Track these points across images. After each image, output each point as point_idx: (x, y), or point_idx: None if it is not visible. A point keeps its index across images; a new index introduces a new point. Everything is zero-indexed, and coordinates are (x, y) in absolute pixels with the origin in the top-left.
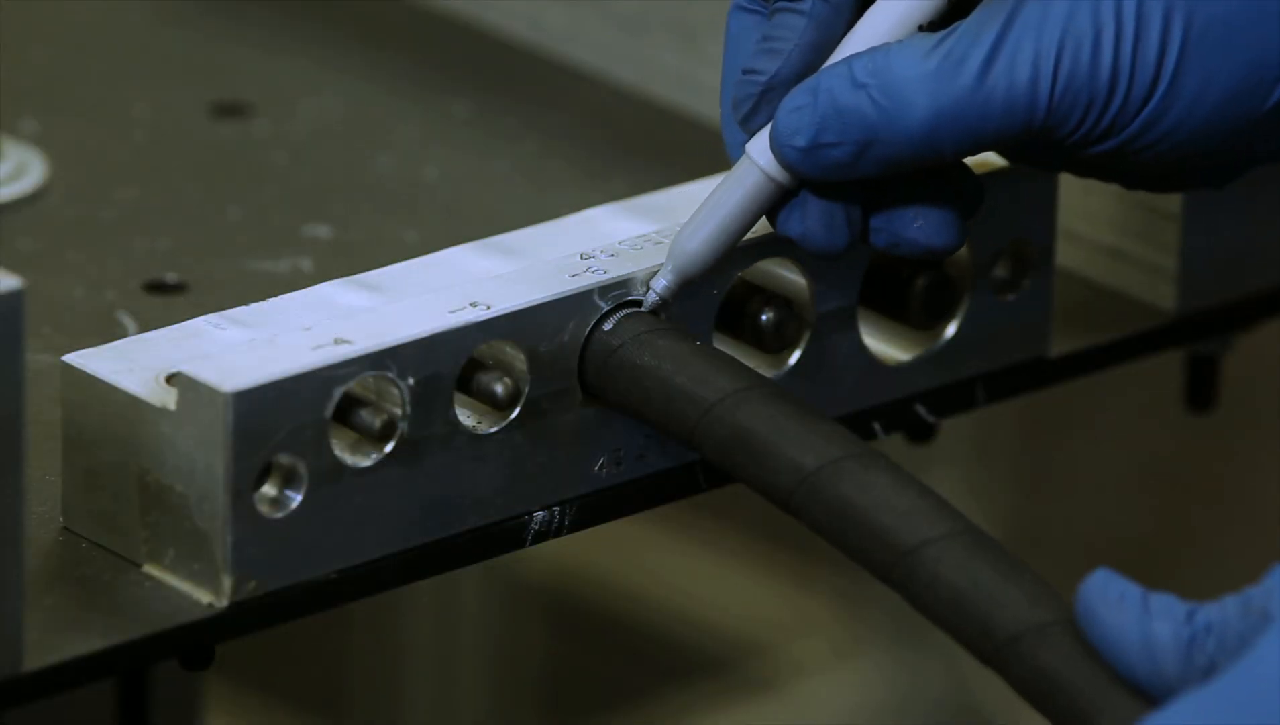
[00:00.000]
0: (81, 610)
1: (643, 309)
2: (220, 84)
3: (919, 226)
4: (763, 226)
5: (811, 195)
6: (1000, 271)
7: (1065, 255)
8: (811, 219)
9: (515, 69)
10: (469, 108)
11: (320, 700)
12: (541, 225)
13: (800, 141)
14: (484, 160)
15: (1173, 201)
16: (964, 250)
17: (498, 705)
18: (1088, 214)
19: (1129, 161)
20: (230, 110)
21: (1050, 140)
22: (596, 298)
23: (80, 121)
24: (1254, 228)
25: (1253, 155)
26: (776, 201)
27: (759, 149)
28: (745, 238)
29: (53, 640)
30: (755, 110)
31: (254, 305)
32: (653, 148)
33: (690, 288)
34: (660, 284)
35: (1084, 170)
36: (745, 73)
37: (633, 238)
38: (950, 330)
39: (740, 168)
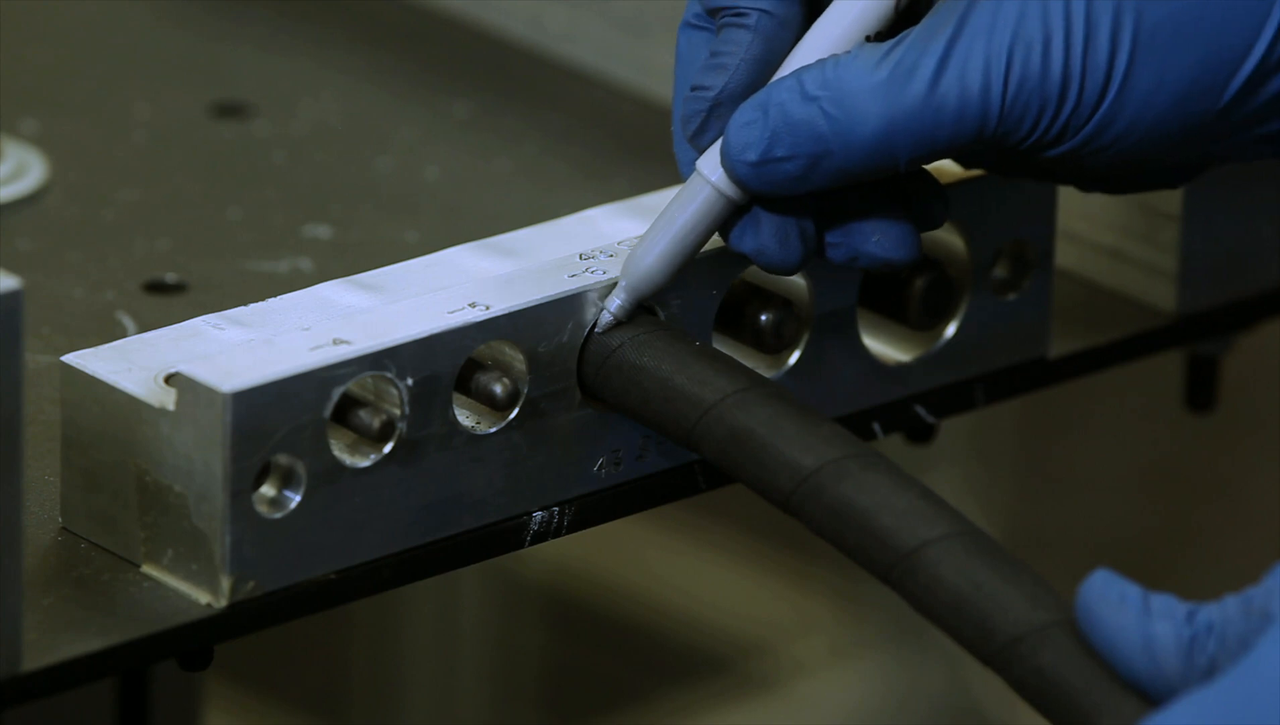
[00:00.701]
0: (80, 610)
1: (597, 330)
2: (220, 84)
3: (876, 241)
4: None
5: (764, 211)
6: (1000, 272)
7: (1065, 255)
8: (765, 235)
9: (515, 69)
10: (469, 108)
11: (320, 700)
12: (541, 225)
13: (751, 156)
14: (484, 160)
15: (1173, 201)
16: (964, 250)
17: (498, 705)
18: (1088, 214)
19: (1084, 164)
20: (230, 110)
21: (1004, 146)
22: (596, 298)
23: (80, 121)
24: (1254, 228)
25: (1208, 155)
26: (729, 217)
27: (710, 165)
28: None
29: (52, 640)
30: (704, 127)
31: (253, 305)
32: (653, 148)
33: (647, 303)
34: (614, 303)
35: (1039, 174)
36: (693, 89)
37: (632, 238)
38: (950, 330)
39: (691, 184)
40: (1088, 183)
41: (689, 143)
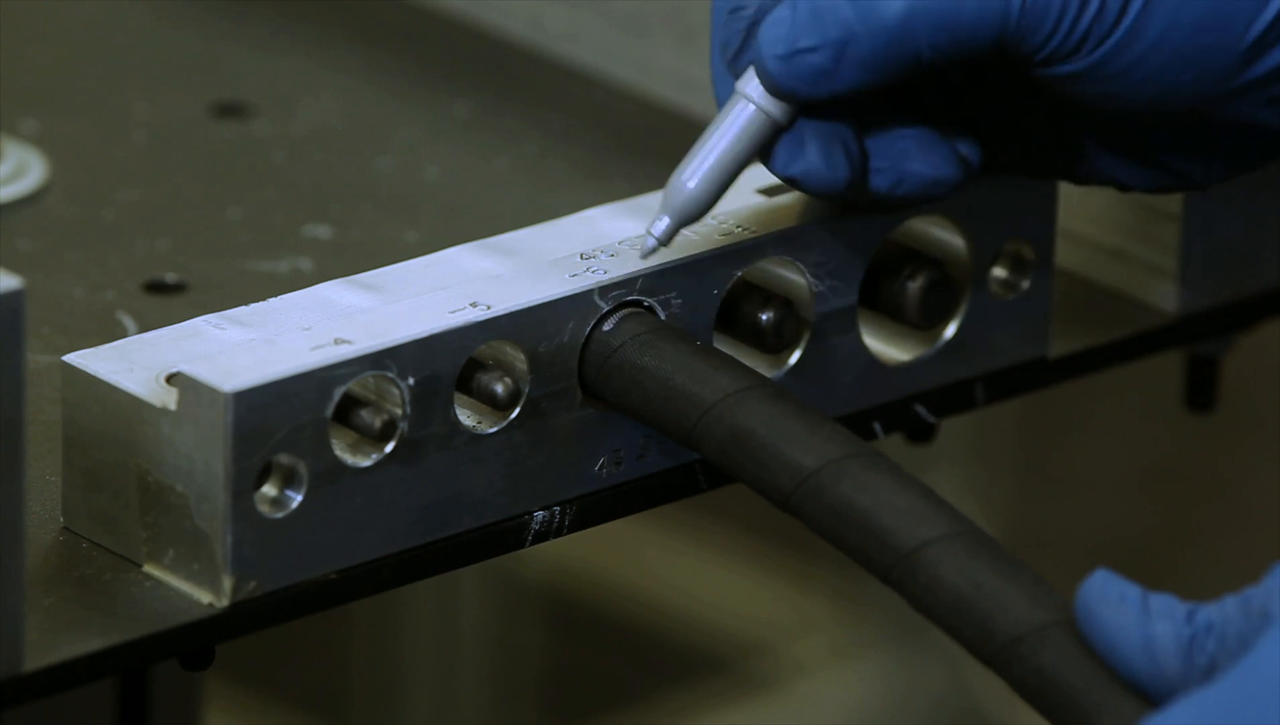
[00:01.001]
0: (81, 610)
1: (640, 256)
2: (220, 84)
3: (920, 161)
4: (764, 224)
5: (808, 126)
6: (1000, 272)
7: (1065, 255)
8: (810, 153)
9: (515, 69)
10: (469, 108)
11: (320, 700)
12: (541, 225)
13: (780, 49)
14: (484, 160)
15: (1173, 201)
16: (964, 250)
17: (498, 705)
18: (1088, 214)
19: (1101, 94)
20: (230, 110)
21: (1022, 51)
22: (596, 298)
23: (80, 121)
24: (1254, 228)
25: (1218, 129)
26: (771, 140)
27: (749, 84)
28: (747, 237)
29: (53, 640)
30: (743, 47)
31: (254, 305)
32: (653, 148)
33: (688, 227)
34: (659, 228)
35: (1051, 113)
36: (731, 12)
37: (633, 238)
38: (950, 330)
39: (732, 104)
40: (1096, 152)
41: (728, 68)
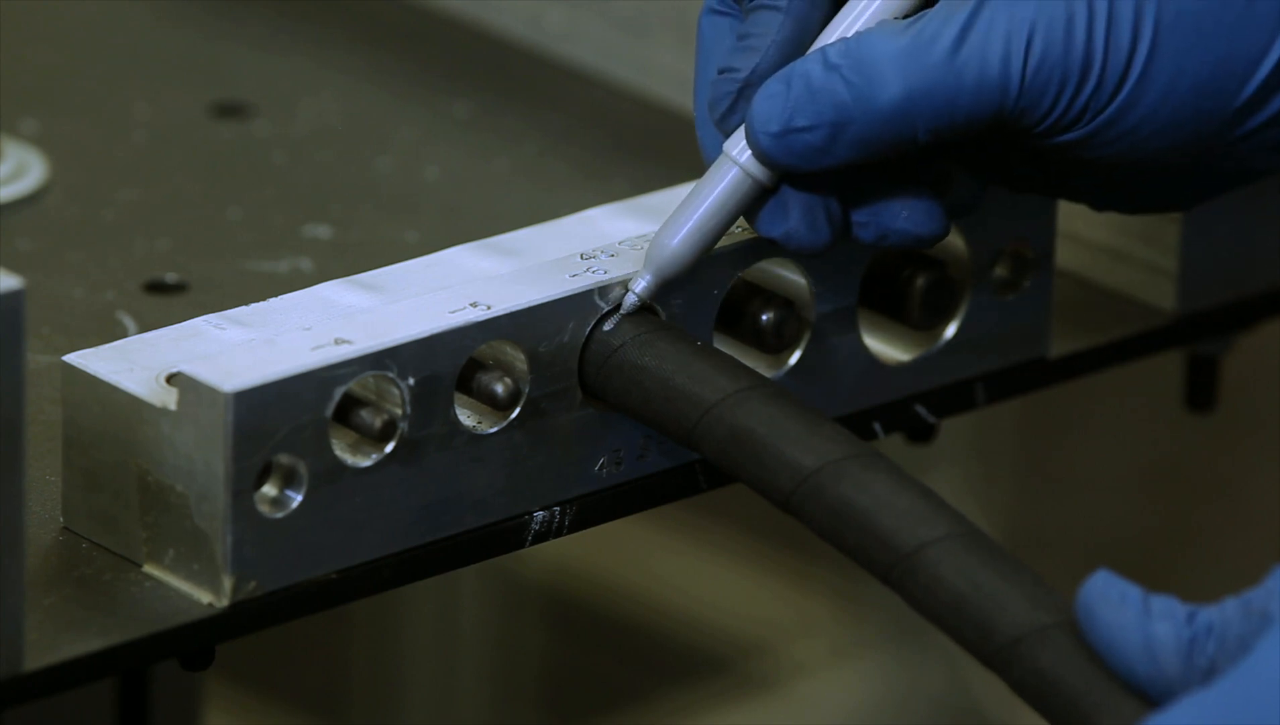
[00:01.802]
0: (81, 610)
1: (620, 311)
2: (220, 84)
3: (905, 217)
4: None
5: (791, 192)
6: (1000, 272)
7: (1065, 255)
8: (793, 218)
9: (515, 69)
10: (469, 108)
11: (320, 700)
12: (541, 225)
13: (774, 127)
14: (484, 160)
15: None
16: (964, 250)
17: (498, 705)
18: (1088, 214)
19: (1097, 156)
20: (230, 110)
21: (1021, 127)
22: (596, 298)
23: (80, 121)
24: (1254, 228)
25: (1220, 169)
26: (755, 201)
27: (736, 146)
28: (748, 238)
29: (53, 640)
30: (732, 108)
31: (254, 305)
32: (653, 148)
33: (667, 290)
34: (639, 285)
35: (1048, 178)
36: (721, 72)
37: (633, 238)
38: (950, 330)
39: (718, 166)
40: (1095, 192)
41: (716, 126)
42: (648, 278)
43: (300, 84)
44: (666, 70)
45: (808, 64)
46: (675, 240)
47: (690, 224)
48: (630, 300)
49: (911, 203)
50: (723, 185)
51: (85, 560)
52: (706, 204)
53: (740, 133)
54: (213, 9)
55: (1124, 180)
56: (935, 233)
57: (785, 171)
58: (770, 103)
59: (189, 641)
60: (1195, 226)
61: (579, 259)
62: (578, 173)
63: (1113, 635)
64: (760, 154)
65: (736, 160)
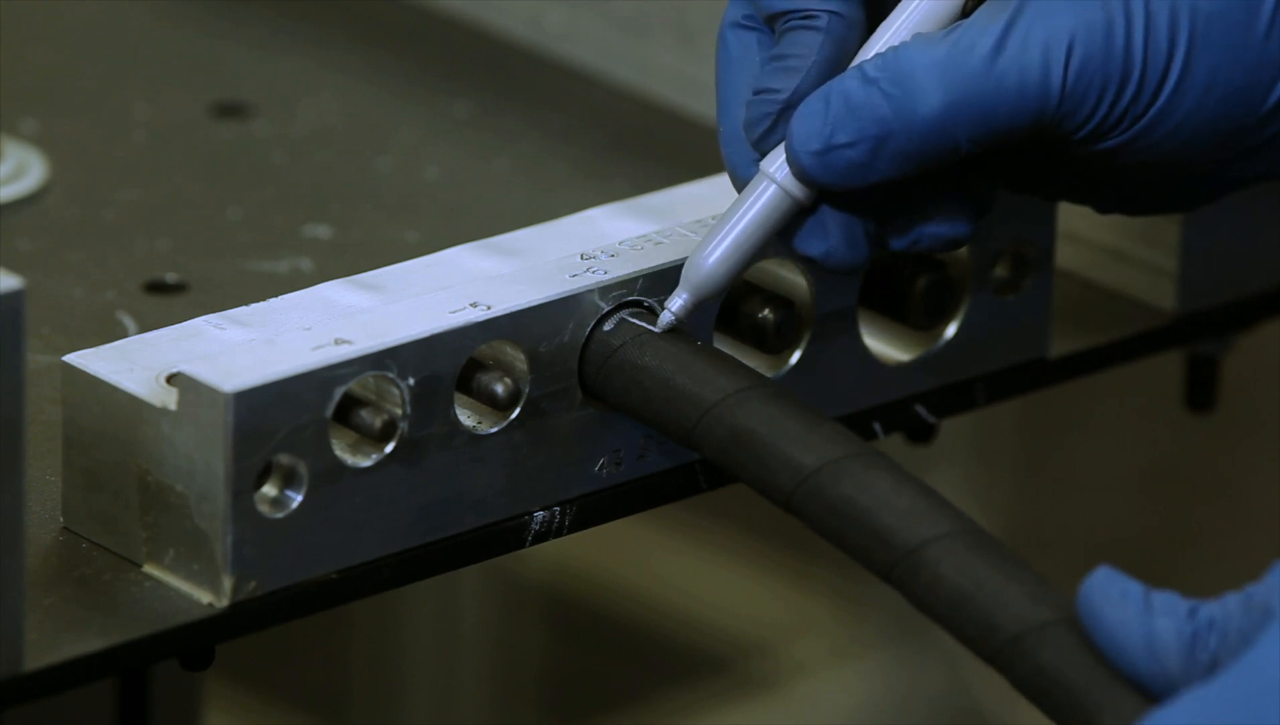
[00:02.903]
0: (81, 610)
1: (656, 330)
2: (220, 84)
3: (937, 222)
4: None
5: (830, 211)
6: (1000, 272)
7: (1065, 255)
8: (833, 237)
9: (515, 69)
10: (469, 108)
11: (320, 700)
12: (541, 225)
13: (815, 146)
14: (484, 160)
15: None
16: (964, 250)
17: (498, 705)
18: (1088, 214)
19: (1130, 162)
20: (230, 110)
21: (1060, 132)
22: (596, 298)
23: (80, 121)
24: (1254, 228)
25: (1238, 173)
26: (793, 220)
27: (774, 164)
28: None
29: (53, 640)
30: (772, 129)
31: (254, 305)
32: (653, 148)
33: (699, 308)
34: (676, 304)
35: (1072, 188)
36: (758, 92)
37: (633, 238)
38: (950, 330)
39: (755, 185)
40: (1116, 197)
41: (753, 146)
42: (684, 297)
43: (300, 84)
44: (666, 70)
45: (845, 80)
46: (712, 260)
47: (727, 242)
48: (667, 318)
49: (943, 206)
50: (760, 204)
51: (85, 560)
52: (744, 223)
53: (778, 151)
54: (213, 9)
55: (1152, 184)
56: (966, 234)
57: (826, 190)
58: (810, 121)
59: (189, 641)
60: (1195, 226)
61: (579, 259)
62: (578, 173)
63: (1114, 631)
64: (801, 173)
65: (774, 178)
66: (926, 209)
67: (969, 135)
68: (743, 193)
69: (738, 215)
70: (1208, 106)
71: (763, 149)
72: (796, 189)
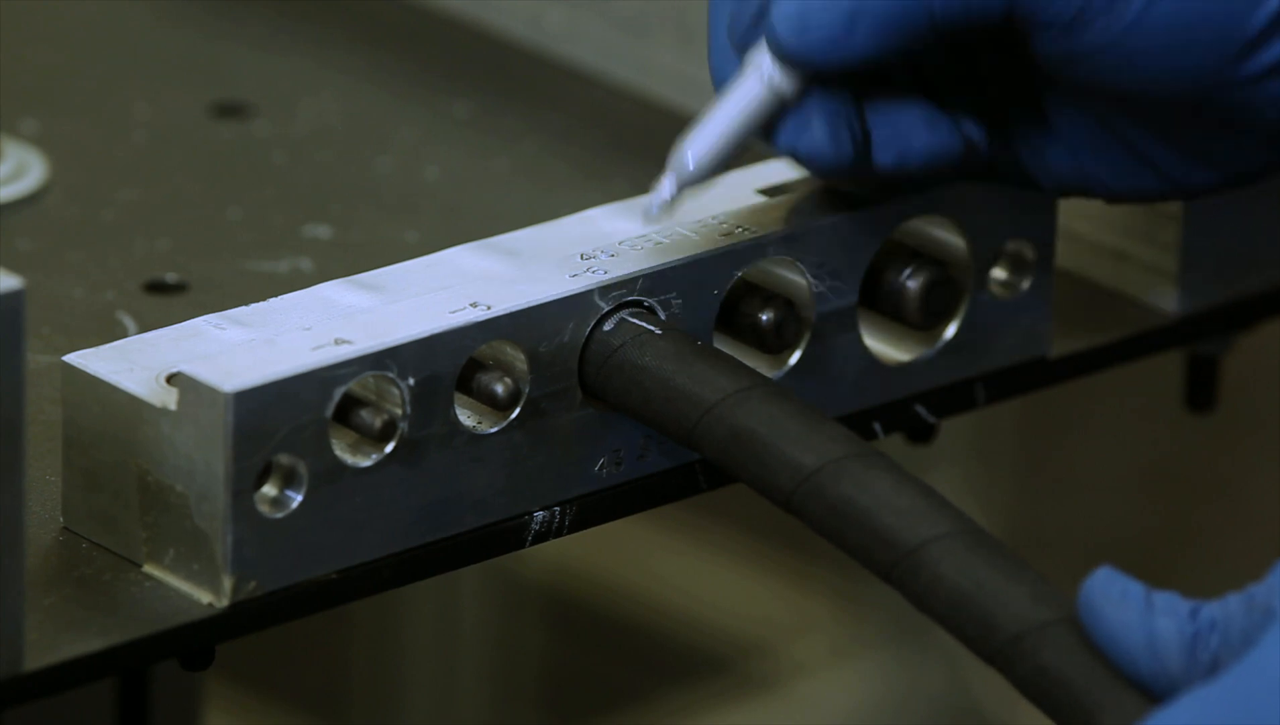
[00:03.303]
0: (81, 610)
1: (642, 221)
2: (220, 84)
3: (925, 135)
4: (764, 224)
5: (814, 103)
6: (1000, 272)
7: (1065, 255)
8: (815, 128)
9: (515, 69)
10: (469, 108)
11: (320, 700)
12: (541, 225)
13: (791, 22)
14: (484, 160)
15: (1173, 202)
16: (964, 250)
17: (498, 705)
18: (1088, 214)
19: (1101, 80)
20: (230, 110)
21: (1036, 20)
22: (596, 298)
23: (80, 121)
24: (1254, 228)
25: (1227, 123)
26: (776, 115)
27: (757, 56)
28: (748, 238)
29: (53, 640)
30: (754, 25)
31: (254, 305)
32: (653, 148)
33: (688, 193)
34: (665, 188)
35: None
36: None
37: (633, 238)
38: (950, 330)
39: (738, 77)
40: (1106, 160)
41: (735, 47)
42: (670, 179)
43: (300, 84)
44: (666, 70)
45: None
46: (693, 152)
47: (709, 127)
48: (656, 200)
49: (930, 120)
50: (742, 89)
51: (85, 560)
52: (726, 108)
53: (761, 46)
54: (213, 9)
55: (1118, 120)
56: (954, 149)
57: (806, 70)
58: (787, 3)
59: (189, 641)
60: (1195, 226)
61: (579, 259)
62: (578, 173)
63: (1115, 631)
64: (779, 48)
65: (758, 66)
66: (914, 121)
67: (943, 6)
68: (726, 85)
69: (721, 108)
70: (1184, 16)
71: (746, 46)
72: (780, 78)
